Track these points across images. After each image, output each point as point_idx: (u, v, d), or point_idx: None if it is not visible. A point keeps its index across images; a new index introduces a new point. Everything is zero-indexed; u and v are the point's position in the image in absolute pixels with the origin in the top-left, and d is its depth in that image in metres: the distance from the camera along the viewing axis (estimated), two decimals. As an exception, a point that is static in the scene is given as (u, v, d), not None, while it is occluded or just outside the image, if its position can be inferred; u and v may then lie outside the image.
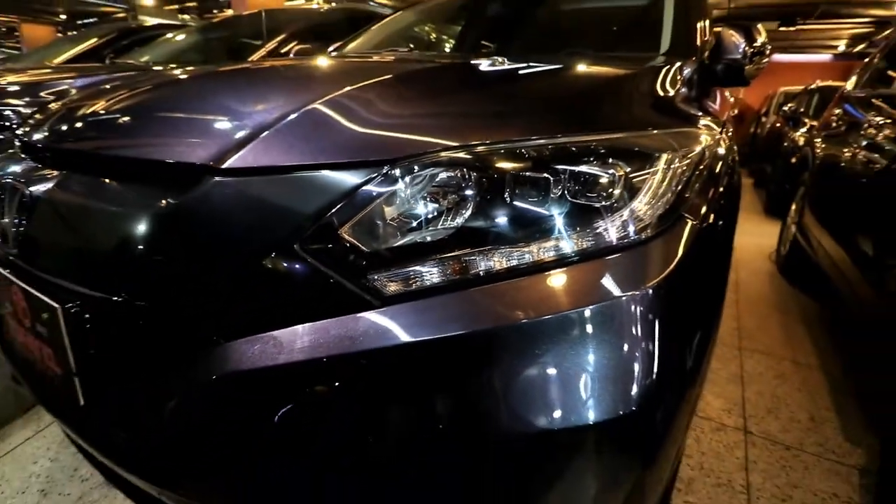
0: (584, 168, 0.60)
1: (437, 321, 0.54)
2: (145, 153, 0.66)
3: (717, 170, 0.85)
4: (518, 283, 0.56)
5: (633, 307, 0.56)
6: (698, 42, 1.47)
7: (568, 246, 0.58)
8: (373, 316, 0.54)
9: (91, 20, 13.38)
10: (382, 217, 0.57)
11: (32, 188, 0.72)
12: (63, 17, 13.22)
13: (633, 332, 0.56)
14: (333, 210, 0.55)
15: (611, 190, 0.61)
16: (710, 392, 1.77)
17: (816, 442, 1.53)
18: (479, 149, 0.61)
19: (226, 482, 0.61)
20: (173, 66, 2.72)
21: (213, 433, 0.59)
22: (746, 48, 1.41)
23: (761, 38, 1.48)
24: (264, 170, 0.58)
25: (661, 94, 0.96)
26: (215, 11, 11.39)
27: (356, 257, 0.55)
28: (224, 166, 0.57)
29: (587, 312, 0.55)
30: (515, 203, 0.59)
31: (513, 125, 0.67)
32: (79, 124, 0.82)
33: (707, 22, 1.63)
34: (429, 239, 0.57)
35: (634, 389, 0.55)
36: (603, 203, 0.60)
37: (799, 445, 1.51)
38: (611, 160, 0.62)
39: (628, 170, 0.62)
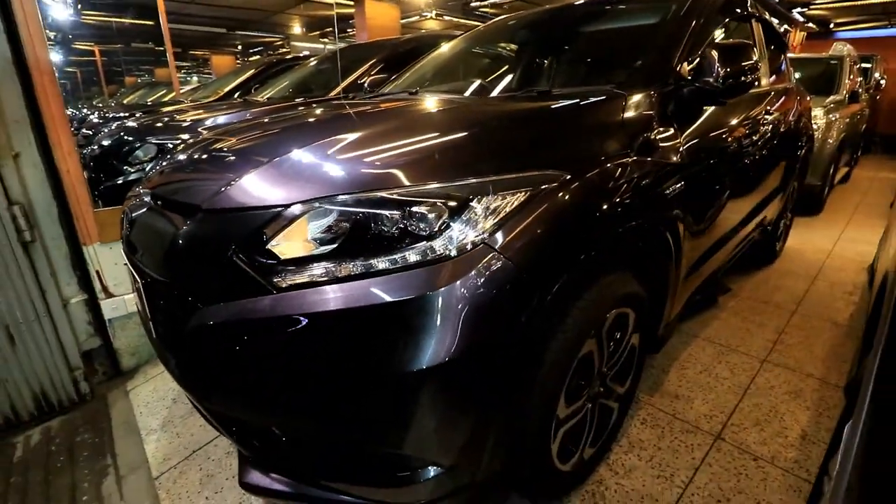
0: (417, 209, 0.90)
1: (316, 303, 0.89)
2: (173, 194, 1.14)
3: (548, 208, 0.97)
4: (365, 282, 0.88)
5: (439, 299, 0.85)
6: (676, 66, 1.54)
7: (402, 259, 0.89)
8: (272, 298, 0.91)
9: (259, 48, 16.04)
10: (286, 239, 0.94)
11: (134, 212, 1.26)
12: (240, 47, 16.12)
13: (428, 316, 0.84)
14: (256, 235, 0.94)
15: (433, 224, 0.90)
16: (700, 398, 1.81)
17: (793, 459, 1.52)
18: (345, 197, 0.93)
19: (217, 390, 1.04)
20: (282, 101, 3.44)
21: (201, 360, 1.03)
22: (720, 70, 1.47)
23: (749, 61, 1.51)
24: (223, 210, 1.00)
25: (535, 137, 1.14)
26: (349, 31, 12.70)
27: (266, 263, 0.93)
28: (204, 207, 1.01)
29: (409, 299, 0.85)
30: (372, 231, 0.91)
31: (390, 175, 0.97)
32: (158, 171, 1.36)
33: (701, 40, 1.67)
34: (316, 253, 0.93)
35: (437, 350, 0.84)
36: (428, 232, 0.89)
37: (770, 458, 1.53)
38: (438, 202, 0.91)
39: (446, 210, 0.90)
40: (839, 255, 3.38)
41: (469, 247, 0.88)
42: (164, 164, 1.40)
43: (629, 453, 1.55)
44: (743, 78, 1.49)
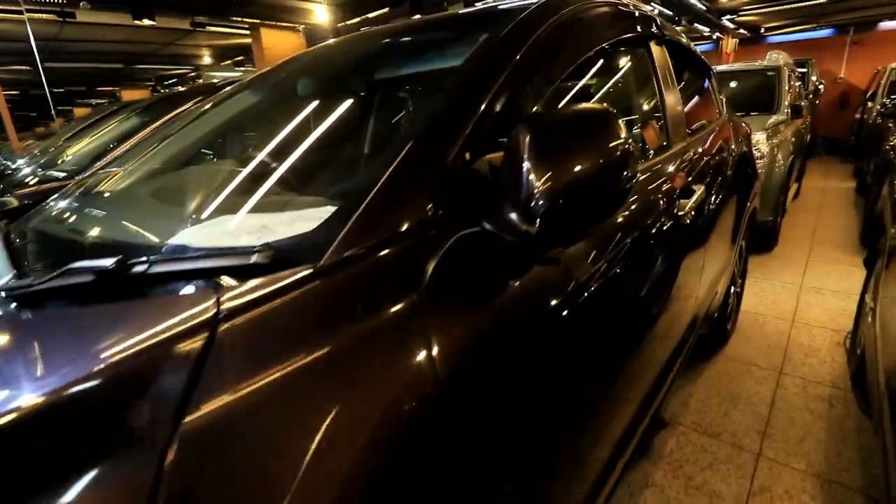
0: None
1: None
2: None
3: None
4: None
5: None
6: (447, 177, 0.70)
7: None
8: None
9: (172, 81, 15.20)
10: None
11: None
12: (153, 82, 15.22)
13: None
14: None
15: None
16: None
17: None
18: None
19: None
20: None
21: None
22: (537, 184, 0.65)
23: (616, 140, 0.71)
24: None
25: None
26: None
27: None
28: None
29: None
30: None
31: None
32: None
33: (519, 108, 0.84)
34: None
35: None
36: None
37: None
38: None
39: None
40: (805, 321, 2.66)
41: None
42: None
43: None
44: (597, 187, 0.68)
